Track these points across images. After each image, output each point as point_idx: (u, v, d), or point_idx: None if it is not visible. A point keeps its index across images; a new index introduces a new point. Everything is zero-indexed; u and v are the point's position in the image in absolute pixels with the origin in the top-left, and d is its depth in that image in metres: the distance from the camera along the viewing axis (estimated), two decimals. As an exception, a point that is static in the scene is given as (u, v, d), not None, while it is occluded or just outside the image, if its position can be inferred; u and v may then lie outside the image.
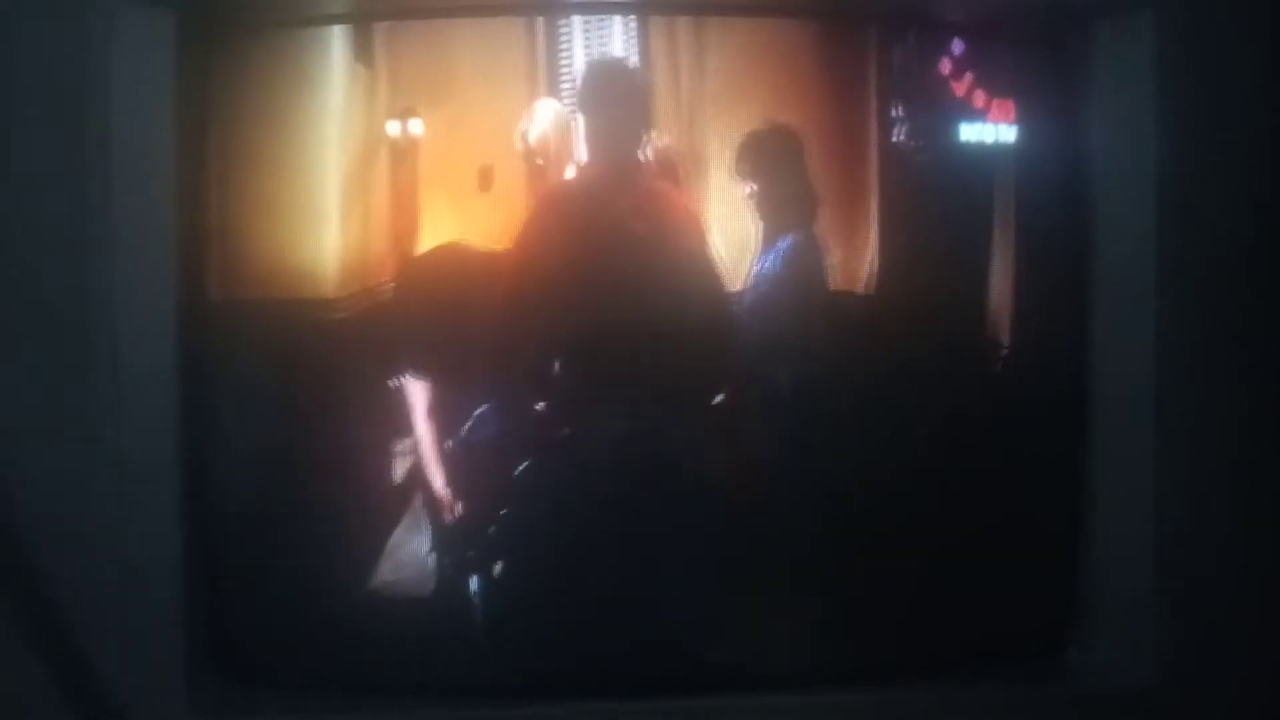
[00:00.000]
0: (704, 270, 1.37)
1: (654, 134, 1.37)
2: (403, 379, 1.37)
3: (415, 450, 1.38)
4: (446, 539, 1.39)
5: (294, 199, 1.34)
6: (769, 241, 1.39)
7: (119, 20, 1.21)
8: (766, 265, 1.39)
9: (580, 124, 1.37)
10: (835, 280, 1.40)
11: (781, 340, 1.41)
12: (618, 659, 1.35)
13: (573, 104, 1.36)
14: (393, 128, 1.34)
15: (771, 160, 1.37)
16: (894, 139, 1.39)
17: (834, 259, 1.40)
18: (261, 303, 1.35)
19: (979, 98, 1.37)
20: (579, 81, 1.35)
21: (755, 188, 1.38)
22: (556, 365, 1.37)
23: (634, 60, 1.35)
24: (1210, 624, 1.33)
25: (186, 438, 1.27)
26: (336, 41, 1.35)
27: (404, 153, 1.34)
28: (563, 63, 1.35)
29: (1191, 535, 1.33)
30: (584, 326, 1.37)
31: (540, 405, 1.38)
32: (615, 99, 1.37)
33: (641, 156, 1.38)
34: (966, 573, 1.39)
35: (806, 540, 1.40)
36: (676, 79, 1.36)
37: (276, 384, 1.35)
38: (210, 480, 1.31)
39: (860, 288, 1.40)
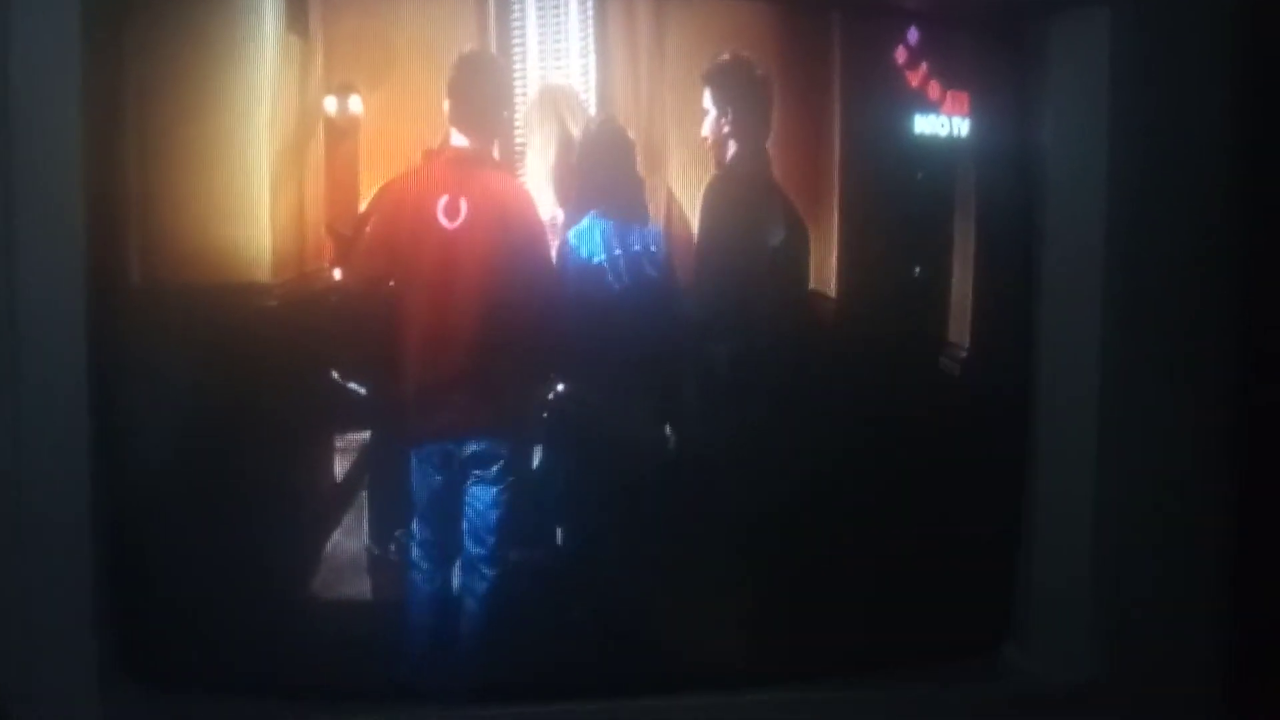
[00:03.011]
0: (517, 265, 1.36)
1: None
2: (341, 371, 1.32)
3: (353, 448, 1.33)
4: (382, 538, 1.36)
5: (222, 178, 1.25)
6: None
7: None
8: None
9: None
10: (778, 271, 1.39)
11: (713, 324, 1.39)
12: (553, 659, 1.34)
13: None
14: (330, 104, 1.28)
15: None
16: (846, 126, 1.38)
17: (779, 249, 1.38)
18: (186, 288, 1.26)
19: (933, 88, 1.36)
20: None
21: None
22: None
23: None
24: (1148, 620, 1.35)
25: (98, 429, 1.19)
26: (267, 8, 1.26)
27: (343, 131, 1.28)
28: (515, 42, 1.31)
29: (1129, 532, 1.34)
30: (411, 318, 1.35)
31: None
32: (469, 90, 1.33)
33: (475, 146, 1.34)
34: (904, 570, 1.39)
35: (738, 538, 1.39)
36: (635, 59, 1.33)
37: (202, 374, 1.27)
38: (126, 475, 1.23)
39: (803, 277, 1.39)
